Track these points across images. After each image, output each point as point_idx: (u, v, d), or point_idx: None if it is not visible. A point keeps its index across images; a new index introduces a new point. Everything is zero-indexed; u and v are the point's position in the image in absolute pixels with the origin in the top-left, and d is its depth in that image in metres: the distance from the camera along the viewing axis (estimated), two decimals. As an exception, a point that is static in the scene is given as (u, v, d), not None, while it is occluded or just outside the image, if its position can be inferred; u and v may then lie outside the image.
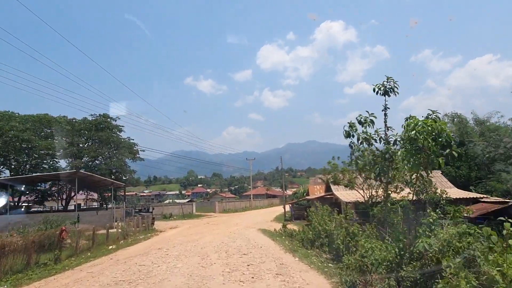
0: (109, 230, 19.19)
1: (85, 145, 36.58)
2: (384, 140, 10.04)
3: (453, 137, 9.52)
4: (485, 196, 22.95)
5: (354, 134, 9.81)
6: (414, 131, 7.15)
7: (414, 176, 8.36)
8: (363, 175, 21.19)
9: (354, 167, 19.58)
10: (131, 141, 40.34)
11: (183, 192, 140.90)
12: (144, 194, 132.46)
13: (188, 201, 67.65)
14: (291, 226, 21.41)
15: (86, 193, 38.69)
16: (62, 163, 36.07)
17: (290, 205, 37.94)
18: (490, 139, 29.67)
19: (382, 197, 21.15)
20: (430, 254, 6.42)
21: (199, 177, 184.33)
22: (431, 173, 8.23)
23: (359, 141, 10.16)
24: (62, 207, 35.92)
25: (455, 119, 34.29)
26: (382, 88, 9.87)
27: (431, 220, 7.37)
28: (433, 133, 7.18)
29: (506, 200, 20.59)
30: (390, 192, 10.80)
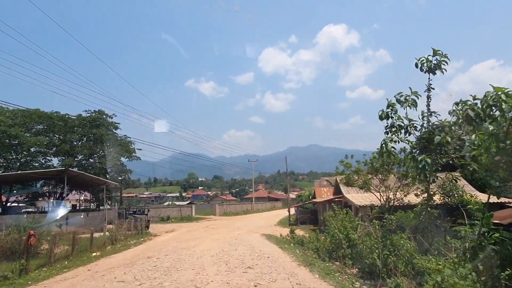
0: (95, 234, 17.19)
1: (79, 143, 34.63)
2: (425, 127, 7.97)
3: None
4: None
5: (394, 116, 7.71)
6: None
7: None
8: (380, 176, 19.20)
9: (378, 163, 17.46)
10: (128, 139, 38.42)
11: (184, 194, 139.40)
12: (144, 196, 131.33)
13: (187, 204, 65.58)
14: (298, 232, 19.34)
15: (79, 194, 36.62)
16: (55, 161, 34.15)
17: (295, 208, 36.00)
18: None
19: (401, 200, 19.07)
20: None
21: (199, 179, 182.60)
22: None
23: (393, 129, 8.10)
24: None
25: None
26: (426, 64, 7.81)
27: None
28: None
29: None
30: (432, 193, 8.72)
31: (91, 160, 35.29)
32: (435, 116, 8.13)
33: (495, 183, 11.38)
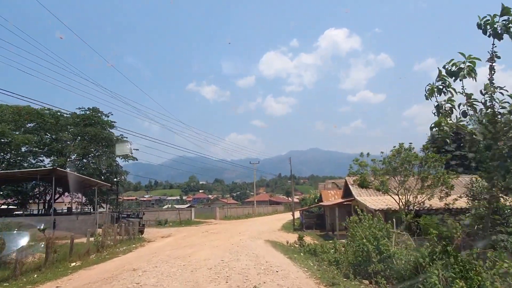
0: (83, 240, 15.34)
1: (72, 142, 32.80)
2: (490, 106, 6.06)
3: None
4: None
5: (448, 91, 5.83)
6: None
7: None
8: (399, 176, 17.26)
9: (398, 161, 15.47)
10: (124, 139, 36.55)
11: (184, 197, 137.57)
12: (145, 199, 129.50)
13: (187, 207, 63.65)
14: (305, 238, 17.42)
15: (72, 196, 34.67)
16: (47, 161, 32.33)
17: (300, 212, 34.10)
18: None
19: (421, 203, 17.06)
20: None
21: (200, 182, 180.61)
22: None
23: (441, 109, 6.20)
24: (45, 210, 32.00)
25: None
26: (493, 27, 5.90)
27: None
28: None
29: None
30: (499, 196, 6.74)
31: (85, 161, 33.45)
32: (500, 93, 6.26)
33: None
